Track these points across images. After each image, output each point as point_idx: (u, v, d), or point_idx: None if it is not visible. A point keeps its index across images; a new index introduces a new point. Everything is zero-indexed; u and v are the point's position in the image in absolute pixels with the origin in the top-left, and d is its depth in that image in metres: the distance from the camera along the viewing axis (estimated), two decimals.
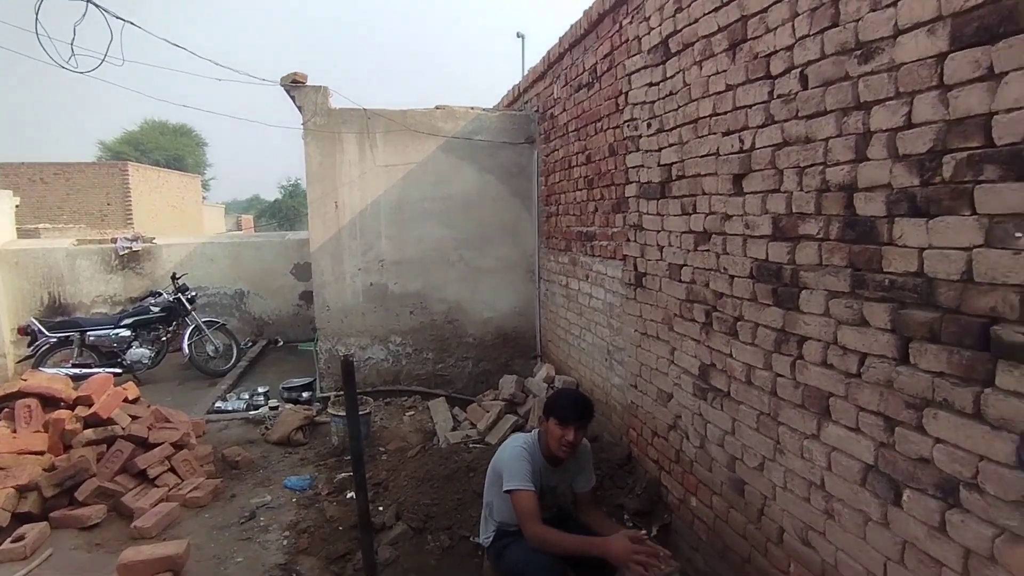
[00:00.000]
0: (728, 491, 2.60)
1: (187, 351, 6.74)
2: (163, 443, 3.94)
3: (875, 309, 1.75)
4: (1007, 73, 1.34)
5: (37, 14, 3.32)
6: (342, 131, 5.31)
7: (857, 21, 1.77)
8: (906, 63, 1.61)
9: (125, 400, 4.16)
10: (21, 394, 3.98)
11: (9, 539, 3.13)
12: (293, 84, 5.16)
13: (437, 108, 5.59)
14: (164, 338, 6.85)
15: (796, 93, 2.04)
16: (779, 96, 2.13)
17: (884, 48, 1.68)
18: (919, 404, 1.61)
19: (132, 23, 3.70)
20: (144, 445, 3.91)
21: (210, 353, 7.00)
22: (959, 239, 1.48)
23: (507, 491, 2.40)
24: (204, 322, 7.03)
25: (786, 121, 2.10)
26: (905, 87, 1.61)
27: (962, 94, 1.45)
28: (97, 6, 3.48)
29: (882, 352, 1.73)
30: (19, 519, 3.35)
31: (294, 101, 5.28)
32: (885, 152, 1.69)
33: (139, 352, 6.52)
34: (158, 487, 3.74)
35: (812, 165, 1.98)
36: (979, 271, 1.43)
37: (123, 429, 3.89)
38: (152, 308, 6.82)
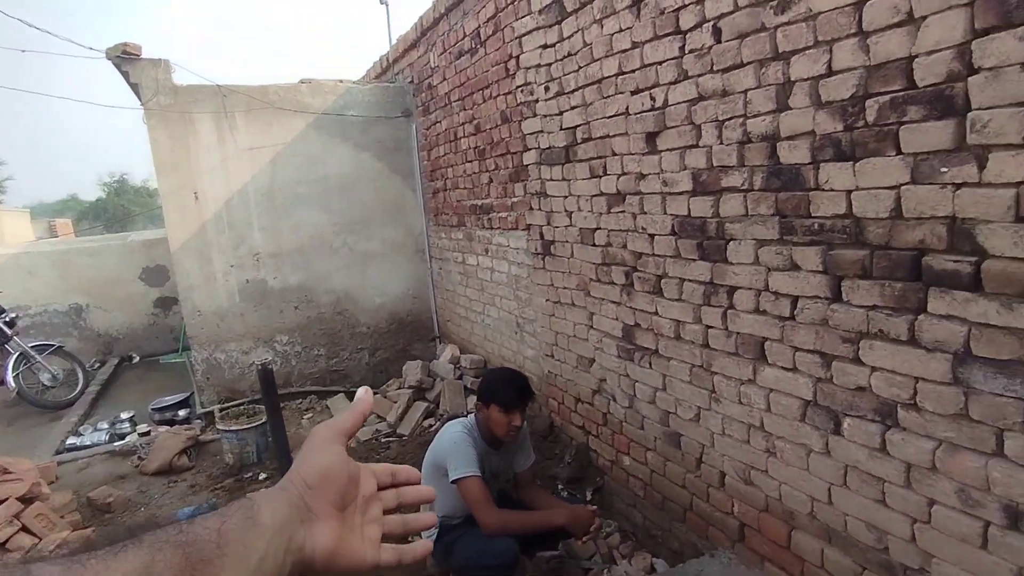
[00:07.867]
0: (663, 445, 2.67)
1: (12, 384, 5.63)
2: (7, 499, 3.25)
3: (806, 253, 1.83)
4: (926, 17, 1.42)
5: None
6: (194, 111, 4.64)
7: None
8: (824, 12, 1.66)
9: None
10: None
11: None
12: (124, 56, 4.38)
13: (302, 82, 5.09)
14: None
15: (710, 47, 2.06)
16: (692, 51, 2.14)
17: None
18: (855, 338, 1.72)
19: None
20: None
21: (45, 383, 5.93)
22: (886, 179, 1.56)
23: (454, 480, 2.26)
24: (33, 347, 5.93)
25: (701, 76, 2.12)
26: (824, 36, 1.67)
27: (882, 40, 1.52)
28: None
29: (815, 293, 1.82)
30: None
31: (127, 78, 4.49)
32: (807, 100, 1.75)
33: None
34: (11, 551, 3.08)
35: (732, 118, 2.02)
36: (908, 207, 1.53)
37: None
38: None
